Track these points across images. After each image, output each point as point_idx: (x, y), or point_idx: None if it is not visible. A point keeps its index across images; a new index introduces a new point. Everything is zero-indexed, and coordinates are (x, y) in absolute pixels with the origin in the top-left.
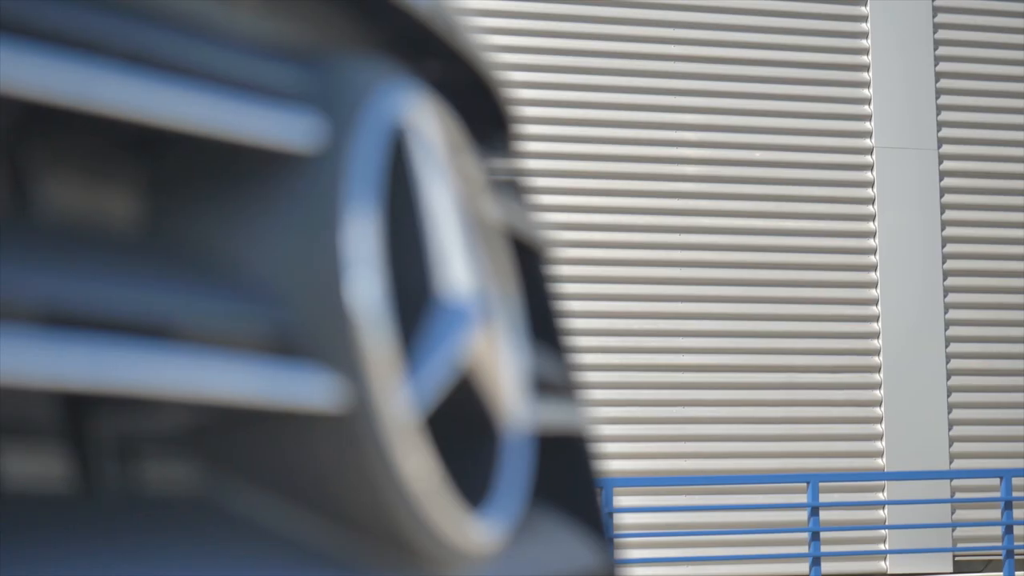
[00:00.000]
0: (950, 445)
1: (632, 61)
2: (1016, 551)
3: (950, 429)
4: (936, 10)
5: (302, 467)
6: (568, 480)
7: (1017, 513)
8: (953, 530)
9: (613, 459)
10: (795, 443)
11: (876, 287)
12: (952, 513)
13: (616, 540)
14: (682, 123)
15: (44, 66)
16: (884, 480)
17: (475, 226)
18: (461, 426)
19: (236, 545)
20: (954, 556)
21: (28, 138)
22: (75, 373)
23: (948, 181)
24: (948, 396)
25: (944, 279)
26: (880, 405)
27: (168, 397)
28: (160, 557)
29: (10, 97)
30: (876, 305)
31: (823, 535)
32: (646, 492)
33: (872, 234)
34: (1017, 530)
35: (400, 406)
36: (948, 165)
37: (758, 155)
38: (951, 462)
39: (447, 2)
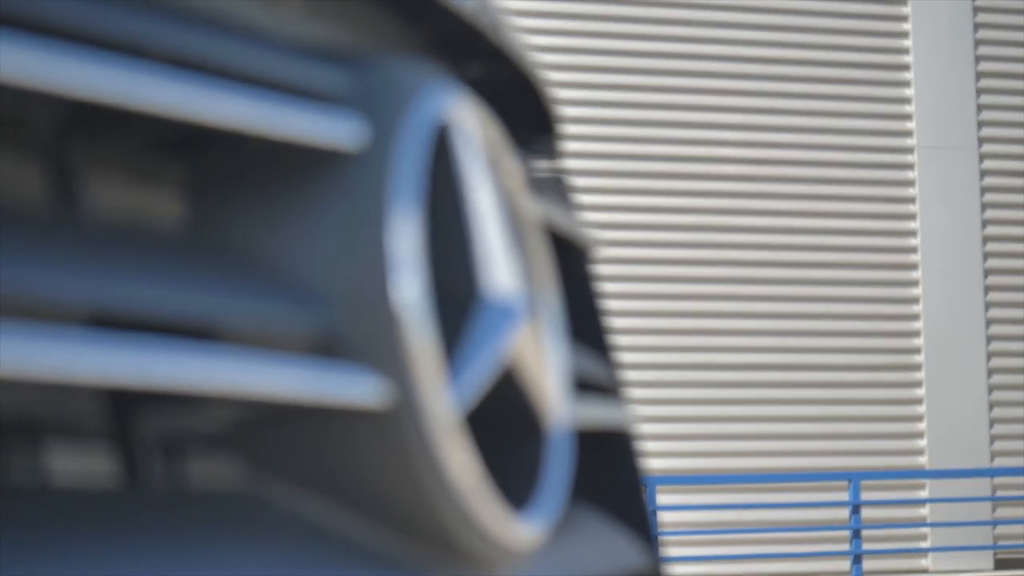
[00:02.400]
0: (991, 443)
1: (672, 61)
2: None
3: (991, 427)
4: (976, 10)
5: (347, 464)
6: (613, 478)
7: None
8: (994, 528)
9: (655, 457)
10: (836, 441)
11: (917, 286)
12: (994, 511)
13: (659, 538)
14: (723, 123)
15: (104, 68)
16: (925, 478)
17: (518, 225)
18: (505, 424)
19: (282, 542)
20: (995, 554)
21: (79, 138)
22: (126, 370)
23: (989, 180)
24: (989, 394)
25: (985, 278)
26: (921, 403)
27: (215, 394)
28: (208, 553)
29: (74, 97)
30: (917, 304)
31: (864, 533)
32: (688, 490)
33: (913, 233)
34: None
35: (444, 403)
36: (989, 164)
37: (798, 155)
38: (992, 460)
39: (492, 2)
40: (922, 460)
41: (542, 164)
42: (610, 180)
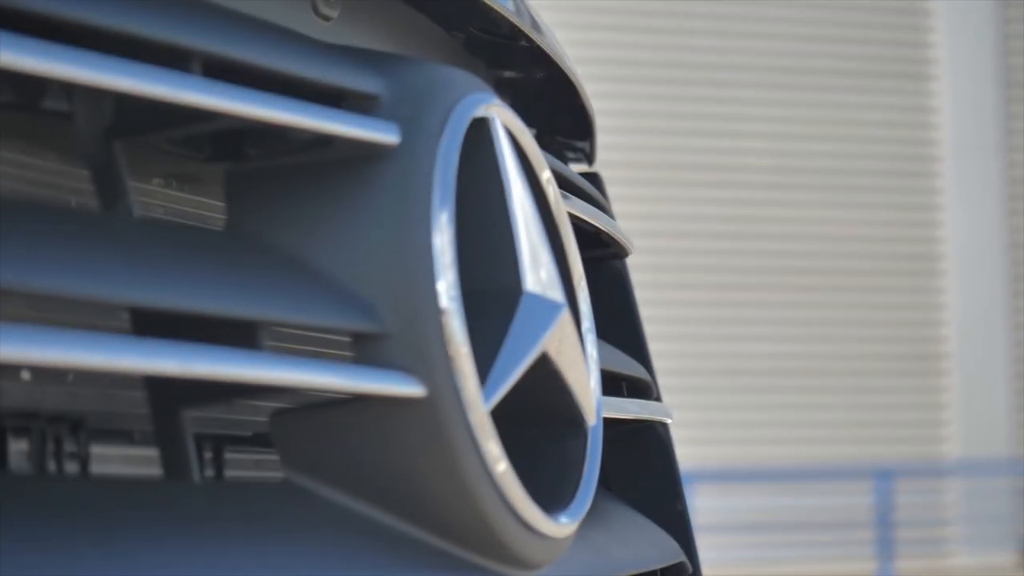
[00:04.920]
0: (1019, 436)
1: (700, 71)
2: None
3: (1019, 421)
4: (1006, 14)
5: (388, 458)
6: (648, 472)
7: None
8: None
9: (684, 452)
10: (863, 434)
11: (945, 280)
12: (1021, 503)
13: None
14: (749, 132)
15: (166, 70)
16: (953, 471)
17: (551, 224)
18: (539, 418)
19: (324, 536)
20: (1023, 546)
21: (127, 137)
22: (171, 362)
23: (1018, 178)
24: (1018, 388)
25: (1012, 273)
26: (948, 397)
27: (265, 386)
28: (253, 544)
29: (143, 96)
30: (945, 299)
31: (892, 525)
32: (717, 485)
33: (942, 230)
34: None
35: (482, 398)
36: (1018, 165)
37: (826, 161)
38: (1020, 453)
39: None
40: (949, 454)
41: (578, 165)
42: (638, 188)
